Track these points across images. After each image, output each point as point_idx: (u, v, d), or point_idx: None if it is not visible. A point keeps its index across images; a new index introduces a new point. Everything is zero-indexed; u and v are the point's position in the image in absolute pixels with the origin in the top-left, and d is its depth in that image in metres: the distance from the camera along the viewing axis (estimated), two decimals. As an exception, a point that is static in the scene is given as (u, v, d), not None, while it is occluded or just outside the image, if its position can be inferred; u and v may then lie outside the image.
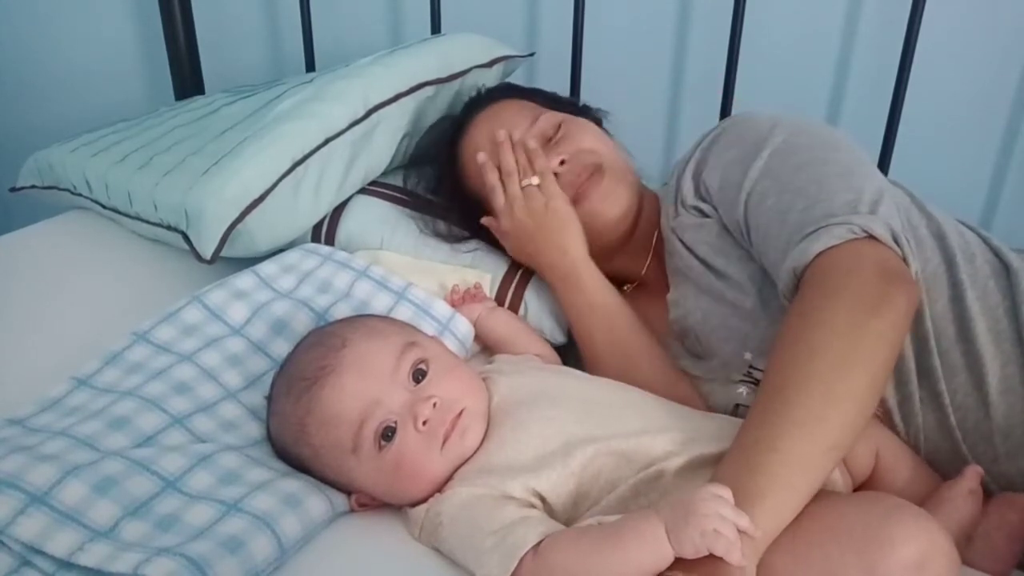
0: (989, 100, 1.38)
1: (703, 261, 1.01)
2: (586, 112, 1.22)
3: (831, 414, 0.71)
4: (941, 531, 0.70)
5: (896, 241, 0.81)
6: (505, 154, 1.09)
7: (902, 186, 1.00)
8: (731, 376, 0.97)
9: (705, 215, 1.01)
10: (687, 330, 1.03)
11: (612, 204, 1.08)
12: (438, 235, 1.17)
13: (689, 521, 0.66)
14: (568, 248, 1.06)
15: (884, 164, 1.37)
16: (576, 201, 1.07)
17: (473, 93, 1.25)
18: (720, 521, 0.65)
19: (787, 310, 0.80)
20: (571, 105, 1.22)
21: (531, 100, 1.18)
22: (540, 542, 0.70)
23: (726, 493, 0.67)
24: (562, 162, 1.09)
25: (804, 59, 1.44)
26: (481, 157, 1.10)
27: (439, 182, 1.20)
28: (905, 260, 0.81)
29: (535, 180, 1.07)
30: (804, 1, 1.41)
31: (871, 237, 0.80)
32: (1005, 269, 0.92)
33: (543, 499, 0.78)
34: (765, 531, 0.68)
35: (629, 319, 1.05)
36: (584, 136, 1.12)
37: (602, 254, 1.10)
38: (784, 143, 0.94)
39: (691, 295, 1.02)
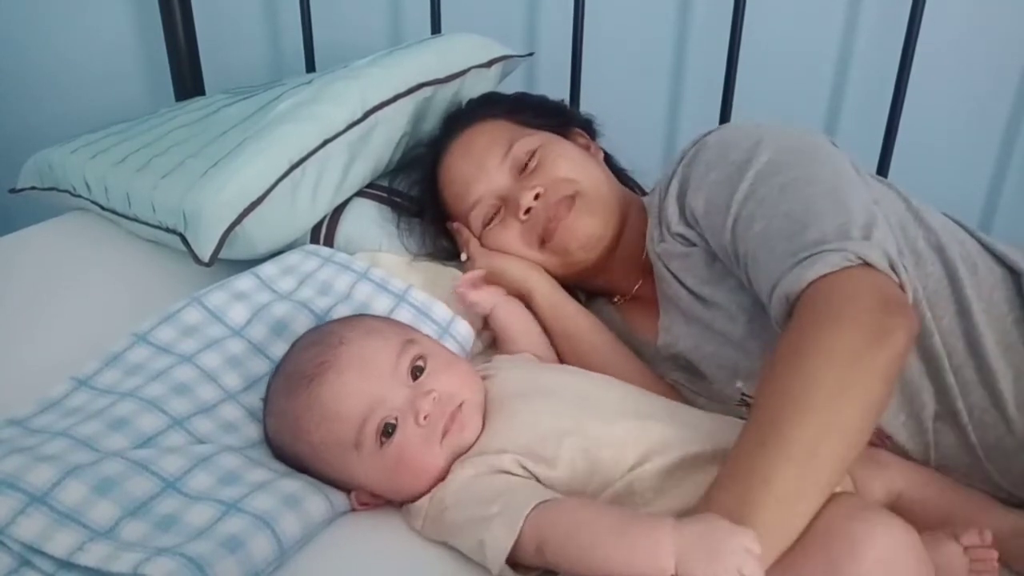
0: (989, 102, 1.38)
1: (691, 290, 0.98)
2: (572, 120, 1.21)
3: (824, 451, 0.70)
4: (906, 529, 0.70)
5: (893, 268, 0.78)
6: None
7: (898, 191, 0.96)
8: (725, 402, 0.96)
9: (691, 243, 0.98)
10: (677, 356, 1.02)
11: (575, 236, 1.06)
12: (428, 256, 1.19)
13: (710, 564, 0.63)
14: (519, 289, 1.09)
15: (884, 166, 1.37)
16: (546, 236, 1.07)
17: (464, 102, 1.24)
18: None
19: (780, 336, 0.78)
20: (556, 114, 1.20)
21: (510, 118, 1.15)
22: (544, 502, 0.70)
23: (756, 548, 0.64)
24: (536, 196, 1.07)
25: (804, 59, 1.44)
26: (455, 226, 1.17)
27: (423, 208, 1.19)
28: (902, 287, 0.79)
29: (463, 258, 1.15)
30: (804, 2, 1.41)
31: (867, 264, 0.77)
32: (1010, 275, 0.89)
33: (537, 480, 0.79)
34: None
35: (590, 340, 1.06)
36: (560, 163, 1.09)
37: (585, 274, 1.10)
38: (769, 163, 0.90)
39: (680, 322, 1.00)
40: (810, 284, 0.78)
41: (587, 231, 1.06)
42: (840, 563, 0.67)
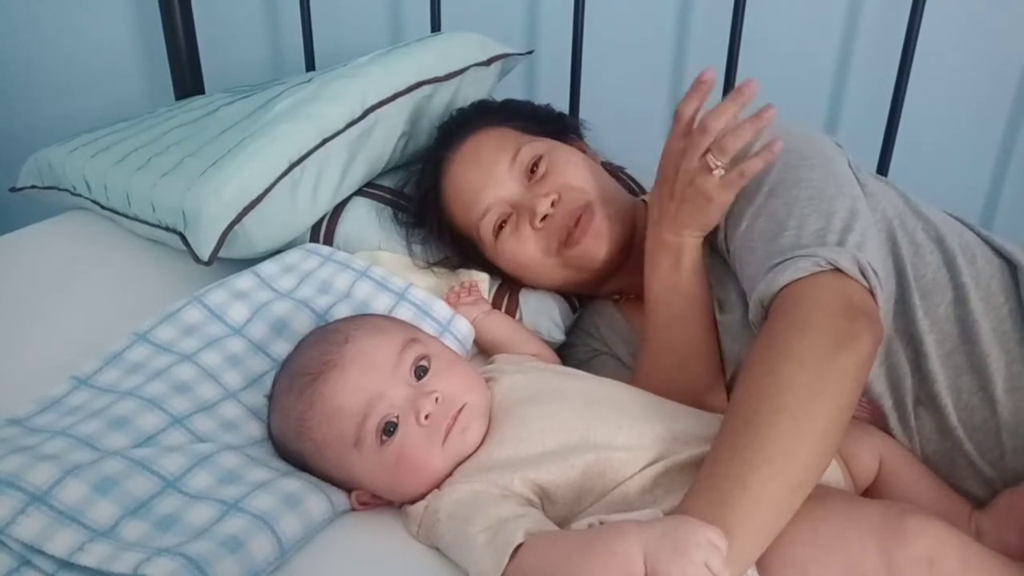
0: (989, 102, 1.38)
1: None
2: (567, 126, 1.19)
3: (799, 451, 0.72)
4: (954, 532, 0.74)
5: (863, 274, 0.81)
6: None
7: (896, 188, 0.98)
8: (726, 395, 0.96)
9: None
10: None
11: (602, 244, 1.05)
12: (429, 264, 1.16)
13: (675, 559, 0.64)
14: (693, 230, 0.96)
15: (884, 166, 1.37)
16: (568, 245, 1.05)
17: (456, 108, 1.22)
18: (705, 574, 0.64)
19: (755, 341, 0.80)
20: (551, 121, 1.19)
21: (510, 124, 1.13)
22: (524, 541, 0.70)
23: (722, 543, 0.66)
24: (552, 203, 1.05)
25: (804, 59, 1.44)
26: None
27: (424, 218, 1.16)
28: (871, 292, 0.81)
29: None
30: (804, 2, 1.41)
31: (837, 270, 0.80)
32: (1007, 266, 0.92)
33: (544, 492, 0.79)
34: (732, 572, 0.68)
35: (703, 320, 0.98)
36: (570, 170, 1.07)
37: (595, 280, 1.10)
38: None
39: None
40: (781, 289, 0.81)
41: (613, 239, 1.05)
42: (892, 554, 0.71)
